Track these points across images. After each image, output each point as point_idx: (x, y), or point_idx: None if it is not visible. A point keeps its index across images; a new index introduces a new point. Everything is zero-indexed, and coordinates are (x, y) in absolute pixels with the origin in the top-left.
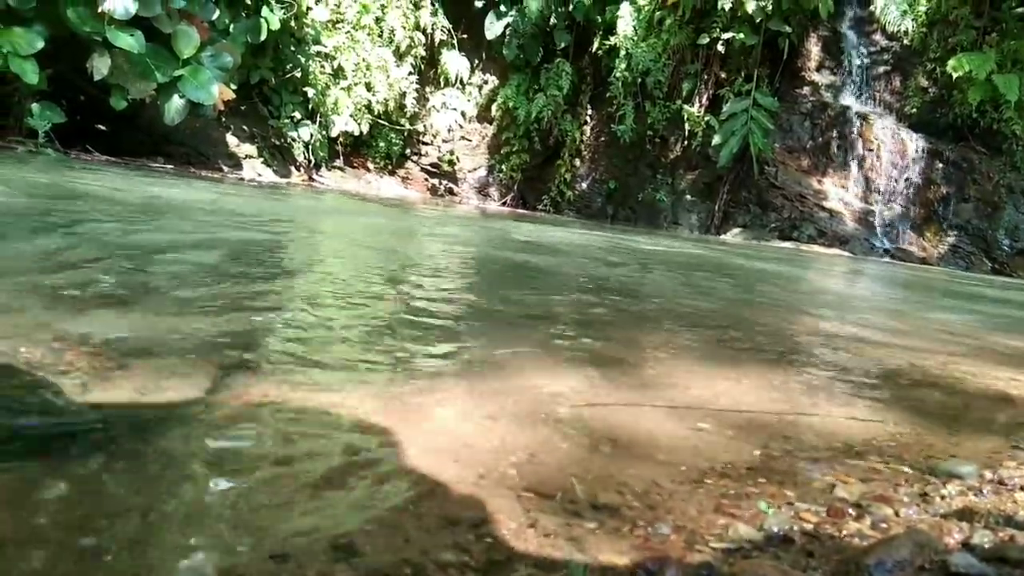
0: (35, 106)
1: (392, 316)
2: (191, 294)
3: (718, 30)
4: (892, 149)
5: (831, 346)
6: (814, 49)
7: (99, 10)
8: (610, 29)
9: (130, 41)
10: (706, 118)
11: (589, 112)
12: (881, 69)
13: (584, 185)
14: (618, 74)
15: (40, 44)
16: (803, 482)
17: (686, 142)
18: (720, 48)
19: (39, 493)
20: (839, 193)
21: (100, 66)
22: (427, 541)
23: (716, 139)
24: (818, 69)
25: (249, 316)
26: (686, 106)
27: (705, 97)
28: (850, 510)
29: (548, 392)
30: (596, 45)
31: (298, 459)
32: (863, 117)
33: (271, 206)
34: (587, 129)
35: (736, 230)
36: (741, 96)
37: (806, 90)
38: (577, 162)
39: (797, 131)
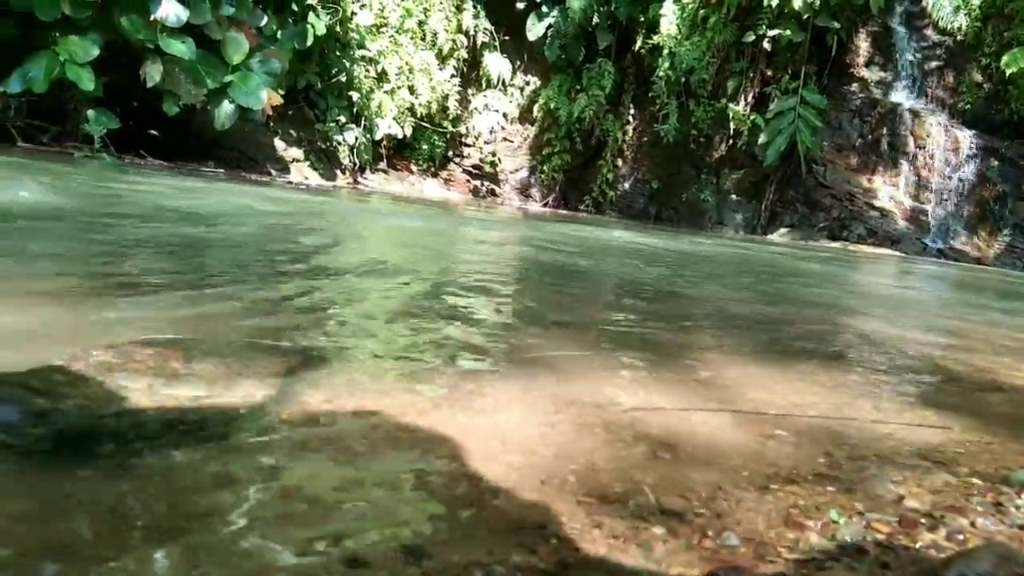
0: (91, 112)
1: (444, 320)
2: (256, 295)
3: (764, 27)
4: (945, 146)
5: (889, 349)
6: (863, 45)
7: (152, 18)
8: (653, 28)
9: (181, 48)
10: (752, 117)
11: (632, 112)
12: (933, 64)
13: (626, 185)
14: (661, 73)
15: (96, 52)
16: (871, 491)
17: (731, 141)
18: (766, 45)
19: (112, 495)
20: (890, 192)
21: (153, 73)
22: (495, 544)
23: (762, 138)
24: (867, 65)
25: (308, 318)
26: (731, 105)
27: (751, 95)
28: (923, 520)
29: (603, 396)
30: (639, 44)
31: (364, 463)
32: (915, 114)
33: (326, 209)
34: (629, 129)
35: (783, 230)
36: (788, 94)
37: (855, 87)
38: (619, 162)
39: (846, 129)
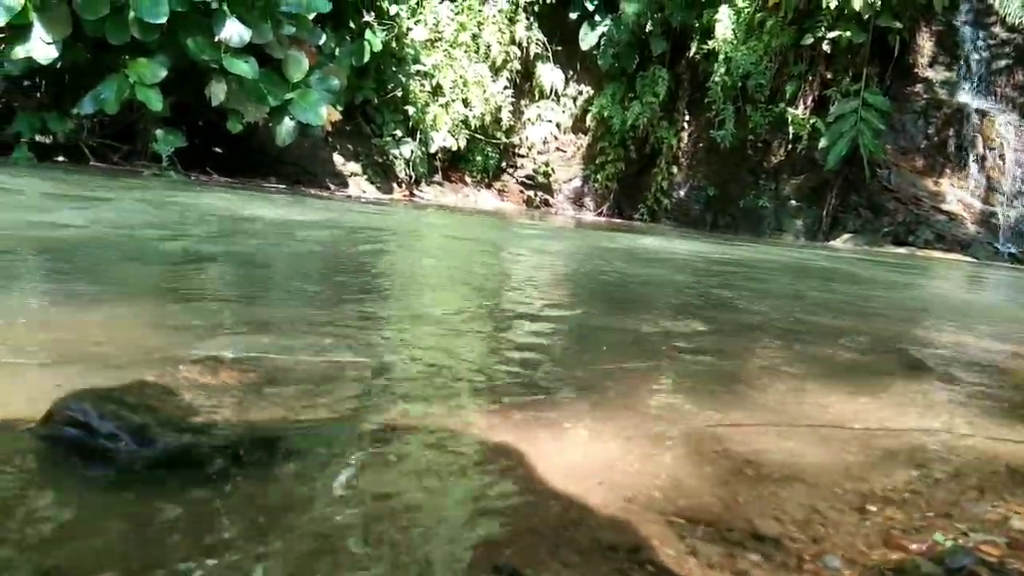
0: (159, 132)
1: (512, 335)
2: (330, 310)
3: (823, 29)
4: (1016, 147)
5: (972, 360)
6: (927, 45)
7: (216, 39)
8: (708, 33)
9: (244, 68)
10: (811, 120)
11: (686, 118)
12: (1001, 63)
13: (682, 193)
14: (717, 78)
15: (163, 73)
16: (973, 511)
17: (790, 146)
18: (826, 48)
19: (211, 514)
20: (958, 195)
21: (217, 92)
22: (587, 566)
23: (823, 142)
24: (931, 65)
25: (380, 333)
26: (790, 109)
27: (810, 99)
28: None
29: (677, 410)
30: (693, 50)
31: (446, 481)
32: (982, 114)
33: (388, 222)
34: (684, 135)
35: (846, 236)
36: (849, 96)
37: (919, 88)
38: (674, 169)
39: (910, 131)
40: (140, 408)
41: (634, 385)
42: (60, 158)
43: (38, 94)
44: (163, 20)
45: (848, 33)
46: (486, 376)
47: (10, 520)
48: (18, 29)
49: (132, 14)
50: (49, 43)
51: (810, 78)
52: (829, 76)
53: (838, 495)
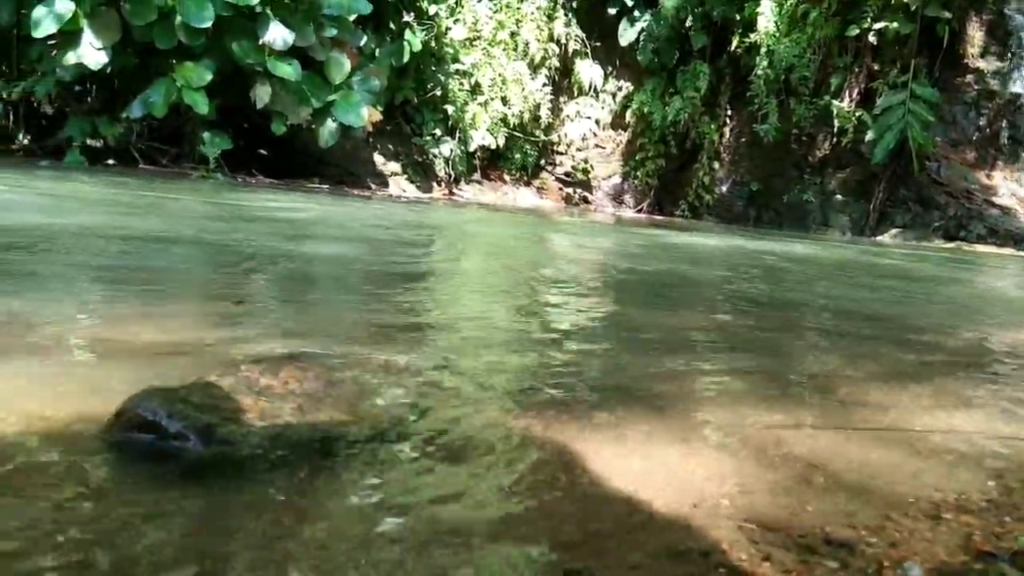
0: (207, 134)
1: (562, 337)
2: (384, 312)
3: (869, 20)
4: None
5: None
6: (977, 34)
7: (260, 42)
8: (749, 26)
9: (288, 70)
10: (857, 113)
11: (728, 112)
12: None
13: (724, 188)
14: (759, 72)
15: (209, 77)
16: None
17: (835, 139)
18: (872, 39)
19: (273, 518)
20: (1012, 188)
21: (262, 95)
22: (658, 570)
23: (870, 135)
24: (982, 55)
25: (433, 339)
26: (835, 102)
27: (856, 91)
28: None
29: (736, 413)
30: (735, 44)
31: (507, 485)
32: None
33: (419, 218)
34: (726, 130)
35: (894, 231)
36: (896, 88)
37: (969, 78)
38: (716, 165)
39: (961, 122)
40: (205, 408)
41: (688, 387)
42: (110, 161)
43: (88, 99)
44: (208, 24)
45: (895, 24)
46: (541, 380)
47: (87, 513)
48: (69, 35)
49: (179, 19)
50: (99, 49)
51: (856, 70)
52: (876, 68)
53: (910, 500)
